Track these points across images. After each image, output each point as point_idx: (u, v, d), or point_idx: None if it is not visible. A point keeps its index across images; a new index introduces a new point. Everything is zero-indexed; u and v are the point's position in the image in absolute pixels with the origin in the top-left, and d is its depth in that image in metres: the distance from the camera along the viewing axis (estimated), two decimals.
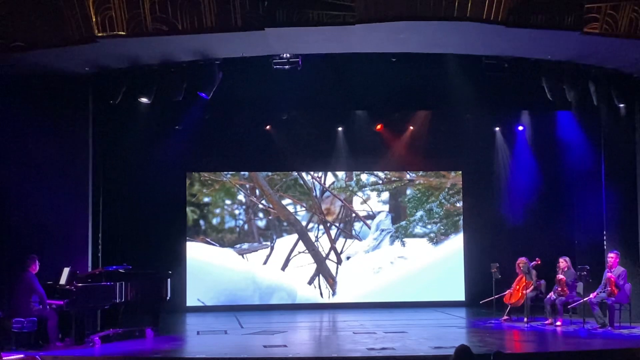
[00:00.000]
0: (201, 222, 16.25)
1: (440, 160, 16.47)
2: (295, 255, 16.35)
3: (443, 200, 16.65)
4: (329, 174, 16.57)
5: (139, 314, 12.34)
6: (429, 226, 16.66)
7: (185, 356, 11.00)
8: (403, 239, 16.56)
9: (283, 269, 16.25)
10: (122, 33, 10.15)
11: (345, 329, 13.23)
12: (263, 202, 16.46)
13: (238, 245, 16.25)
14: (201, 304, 15.70)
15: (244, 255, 16.22)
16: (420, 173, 16.72)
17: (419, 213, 16.64)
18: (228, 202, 16.42)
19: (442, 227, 16.65)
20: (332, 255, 16.46)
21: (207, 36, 10.54)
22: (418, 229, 16.64)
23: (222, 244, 16.18)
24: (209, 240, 16.12)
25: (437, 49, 12.05)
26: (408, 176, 16.74)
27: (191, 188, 16.12)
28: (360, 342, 11.44)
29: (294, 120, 15.24)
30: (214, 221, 16.33)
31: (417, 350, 10.64)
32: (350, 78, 13.42)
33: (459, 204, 16.58)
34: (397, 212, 16.72)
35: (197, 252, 15.98)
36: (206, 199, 16.32)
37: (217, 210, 16.36)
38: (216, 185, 16.36)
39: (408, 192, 16.75)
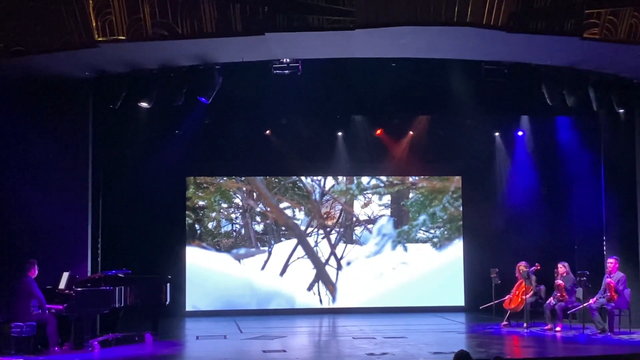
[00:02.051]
0: (197, 226, 16.21)
1: (440, 165, 16.48)
2: (293, 261, 16.32)
3: (447, 204, 16.63)
4: (330, 177, 16.54)
5: (138, 318, 12.34)
6: (433, 231, 16.65)
7: None
8: (405, 244, 16.54)
9: (281, 274, 16.22)
10: (122, 37, 10.15)
11: (345, 334, 13.22)
12: (260, 205, 16.43)
13: (235, 250, 16.22)
14: (198, 310, 15.65)
15: (241, 261, 16.18)
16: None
17: (422, 217, 16.62)
18: (224, 205, 16.38)
19: (445, 232, 16.64)
20: (332, 261, 16.43)
21: (207, 41, 10.53)
22: (421, 234, 16.62)
23: (219, 248, 16.15)
24: (204, 245, 16.09)
25: (437, 54, 12.06)
26: (411, 179, 16.72)
27: (186, 191, 16.11)
28: (359, 347, 11.43)
29: (294, 125, 15.24)
30: (210, 225, 16.29)
31: (417, 355, 10.64)
32: (350, 83, 13.41)
33: (462, 208, 16.59)
34: (400, 216, 16.69)
35: (194, 257, 15.94)
36: (201, 202, 16.27)
37: (213, 214, 16.31)
38: (212, 187, 16.34)
39: (411, 195, 16.73)
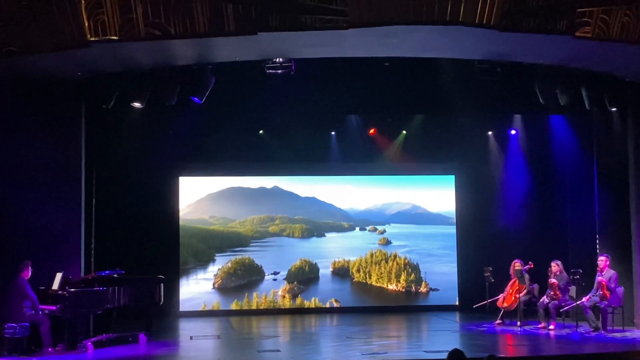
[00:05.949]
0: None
1: (433, 165, 16.49)
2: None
3: None
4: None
5: (132, 319, 12.32)
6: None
7: None
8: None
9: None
10: (115, 37, 10.09)
11: (339, 334, 13.21)
12: None
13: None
14: (192, 310, 15.62)
15: None
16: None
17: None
18: None
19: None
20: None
21: (199, 41, 10.50)
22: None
23: None
24: None
25: (430, 54, 12.05)
26: None
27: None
28: (353, 346, 11.43)
29: (287, 124, 15.20)
30: None
31: (411, 354, 10.67)
32: (343, 82, 13.41)
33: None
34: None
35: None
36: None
37: None
38: None
39: None
